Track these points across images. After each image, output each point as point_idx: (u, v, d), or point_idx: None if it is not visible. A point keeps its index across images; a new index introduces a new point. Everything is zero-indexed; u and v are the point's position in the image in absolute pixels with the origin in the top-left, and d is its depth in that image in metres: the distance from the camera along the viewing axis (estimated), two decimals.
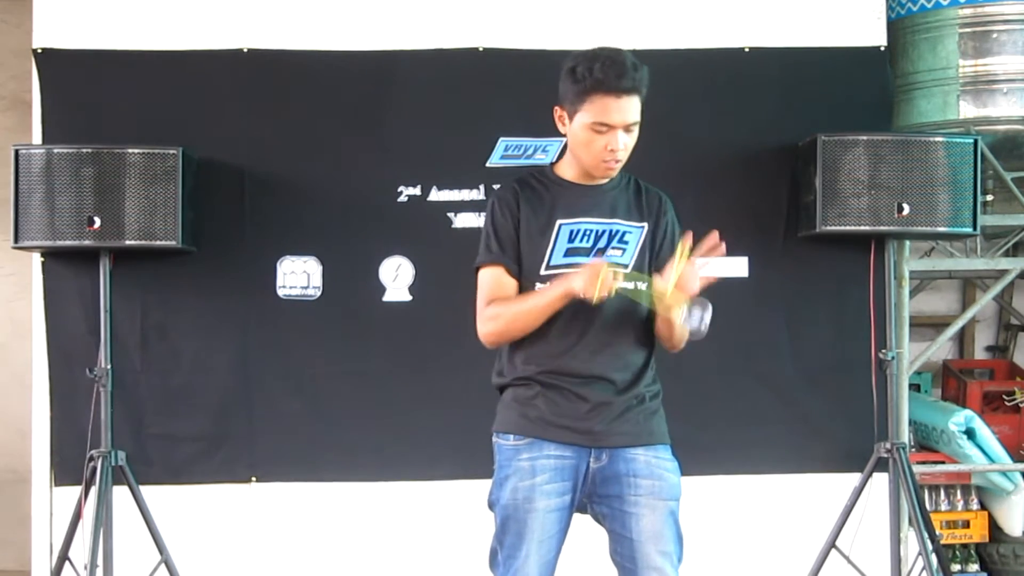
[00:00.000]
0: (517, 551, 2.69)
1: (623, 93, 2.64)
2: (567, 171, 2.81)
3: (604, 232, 2.75)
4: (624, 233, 2.76)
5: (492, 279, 2.75)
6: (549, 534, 2.70)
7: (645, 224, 2.79)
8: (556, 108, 2.76)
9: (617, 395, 2.74)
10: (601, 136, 2.68)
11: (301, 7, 4.39)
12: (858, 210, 4.13)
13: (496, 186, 4.19)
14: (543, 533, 2.70)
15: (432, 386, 4.31)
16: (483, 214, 4.18)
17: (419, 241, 4.34)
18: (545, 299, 2.66)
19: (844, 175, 4.13)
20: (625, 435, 2.73)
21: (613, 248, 2.75)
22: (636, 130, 2.71)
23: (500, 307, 2.72)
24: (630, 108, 2.67)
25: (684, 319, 2.60)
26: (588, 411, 2.72)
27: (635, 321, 2.76)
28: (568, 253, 2.73)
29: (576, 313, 2.69)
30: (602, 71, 2.62)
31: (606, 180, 2.79)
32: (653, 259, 2.78)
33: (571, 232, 2.74)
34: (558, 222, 2.74)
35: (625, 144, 2.70)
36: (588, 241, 2.75)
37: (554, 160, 2.86)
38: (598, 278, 2.54)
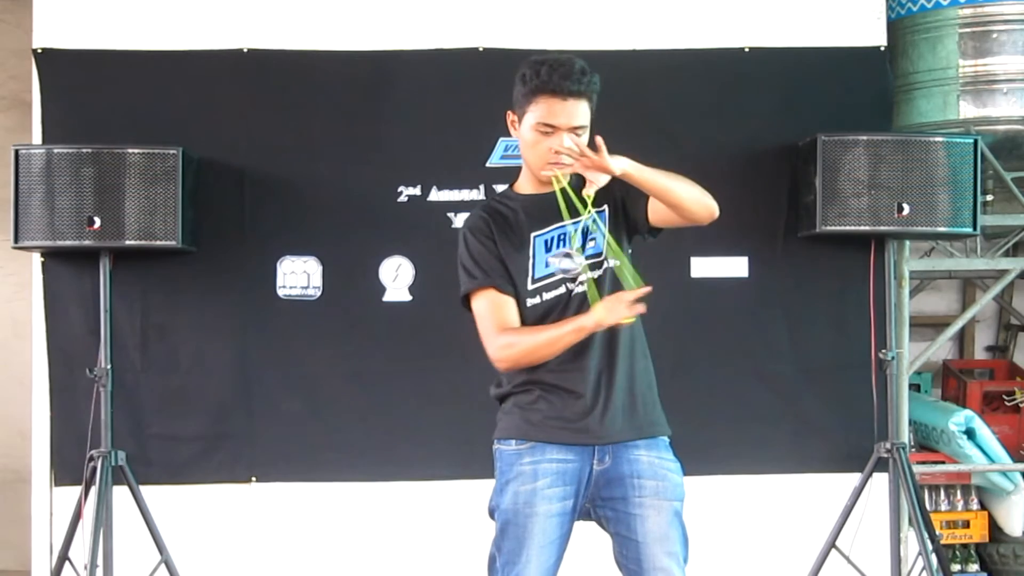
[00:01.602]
0: (517, 556, 2.69)
1: (568, 96, 2.67)
2: (525, 186, 2.84)
3: (576, 231, 2.76)
4: (591, 222, 2.77)
5: (491, 304, 2.74)
6: (550, 539, 2.70)
7: (605, 206, 2.79)
8: (508, 113, 2.78)
9: (614, 390, 2.73)
10: (546, 138, 2.70)
11: (301, 7, 4.39)
12: (858, 210, 4.13)
13: (496, 186, 4.21)
14: (544, 538, 2.69)
15: (432, 386, 4.31)
16: None
17: (419, 241, 4.34)
18: (560, 334, 2.66)
19: (844, 175, 4.13)
20: (626, 430, 2.74)
21: (588, 241, 2.76)
22: (584, 135, 2.72)
23: (514, 337, 2.71)
24: (576, 111, 2.69)
25: (556, 260, 2.69)
26: (587, 408, 2.72)
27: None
28: (549, 263, 2.75)
29: (568, 313, 2.70)
30: (548, 73, 2.66)
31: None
32: (626, 219, 2.79)
33: (546, 242, 2.76)
34: (532, 235, 2.77)
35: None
36: (565, 245, 2.76)
37: (512, 182, 2.88)
38: (622, 307, 2.58)
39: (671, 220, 2.76)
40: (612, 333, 2.72)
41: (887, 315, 4.27)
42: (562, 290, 2.74)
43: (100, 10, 4.34)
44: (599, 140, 2.59)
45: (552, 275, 2.74)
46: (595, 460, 2.73)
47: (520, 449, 2.74)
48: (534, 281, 2.75)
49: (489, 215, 2.80)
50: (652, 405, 2.81)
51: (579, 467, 2.72)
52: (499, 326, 2.72)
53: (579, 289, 2.72)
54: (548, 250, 2.76)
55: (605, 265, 2.75)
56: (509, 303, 2.74)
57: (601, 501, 2.74)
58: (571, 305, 2.72)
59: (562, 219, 2.75)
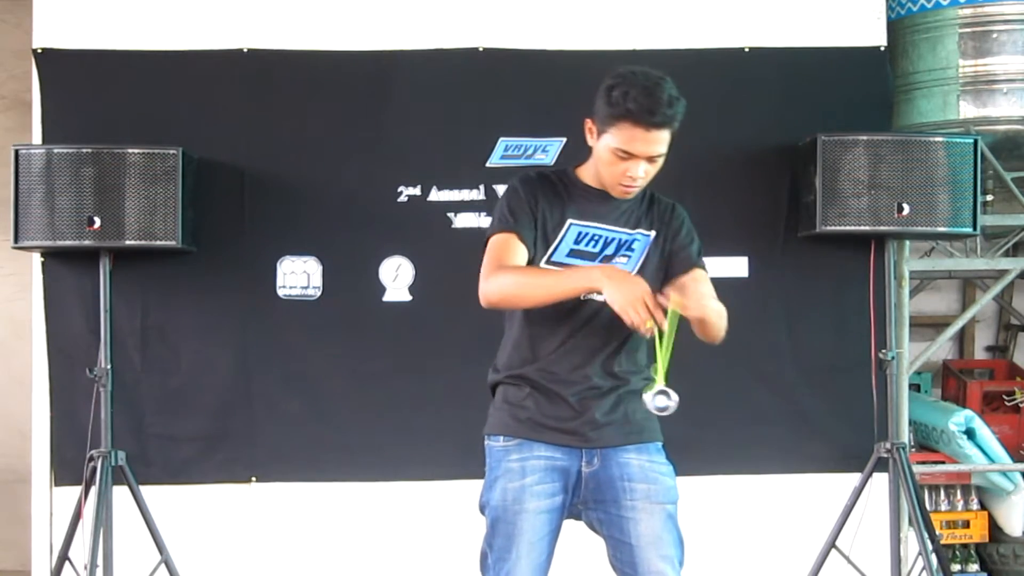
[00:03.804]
0: (507, 553, 2.68)
1: (652, 127, 2.61)
2: (588, 176, 2.78)
3: (613, 240, 2.75)
4: (632, 241, 2.75)
5: (503, 243, 2.68)
6: (539, 536, 2.69)
7: (653, 232, 2.77)
8: (587, 120, 2.72)
9: (604, 396, 2.73)
10: (623, 162, 2.66)
11: (301, 7, 4.39)
12: (858, 210, 4.13)
13: (496, 186, 4.21)
14: (533, 535, 2.68)
15: (432, 386, 4.31)
16: (483, 214, 4.26)
17: (419, 241, 4.34)
18: (564, 281, 2.60)
19: (844, 175, 4.13)
20: (615, 435, 2.73)
21: (620, 256, 2.74)
22: (661, 160, 2.69)
23: (513, 272, 2.64)
24: (657, 141, 2.64)
25: (649, 399, 2.60)
26: (576, 412, 2.71)
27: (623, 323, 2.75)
28: (571, 254, 2.72)
29: (567, 313, 2.68)
30: (635, 102, 2.58)
31: None
32: (664, 266, 2.76)
33: (579, 233, 2.73)
34: (569, 221, 2.73)
35: (646, 171, 2.68)
36: (595, 246, 2.73)
37: (577, 164, 2.85)
38: (643, 305, 2.46)
39: None
40: (605, 338, 2.70)
41: (887, 315, 4.27)
42: None
43: (100, 10, 4.34)
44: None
45: (567, 266, 2.69)
46: (583, 462, 2.72)
47: (508, 446, 2.73)
48: (548, 262, 2.71)
49: (539, 179, 2.78)
50: (643, 414, 2.78)
51: (567, 465, 2.71)
52: (498, 263, 2.66)
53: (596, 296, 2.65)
54: (577, 242, 2.72)
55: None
56: (521, 250, 2.68)
57: (593, 504, 2.73)
58: (580, 306, 2.68)
59: (608, 223, 2.73)
